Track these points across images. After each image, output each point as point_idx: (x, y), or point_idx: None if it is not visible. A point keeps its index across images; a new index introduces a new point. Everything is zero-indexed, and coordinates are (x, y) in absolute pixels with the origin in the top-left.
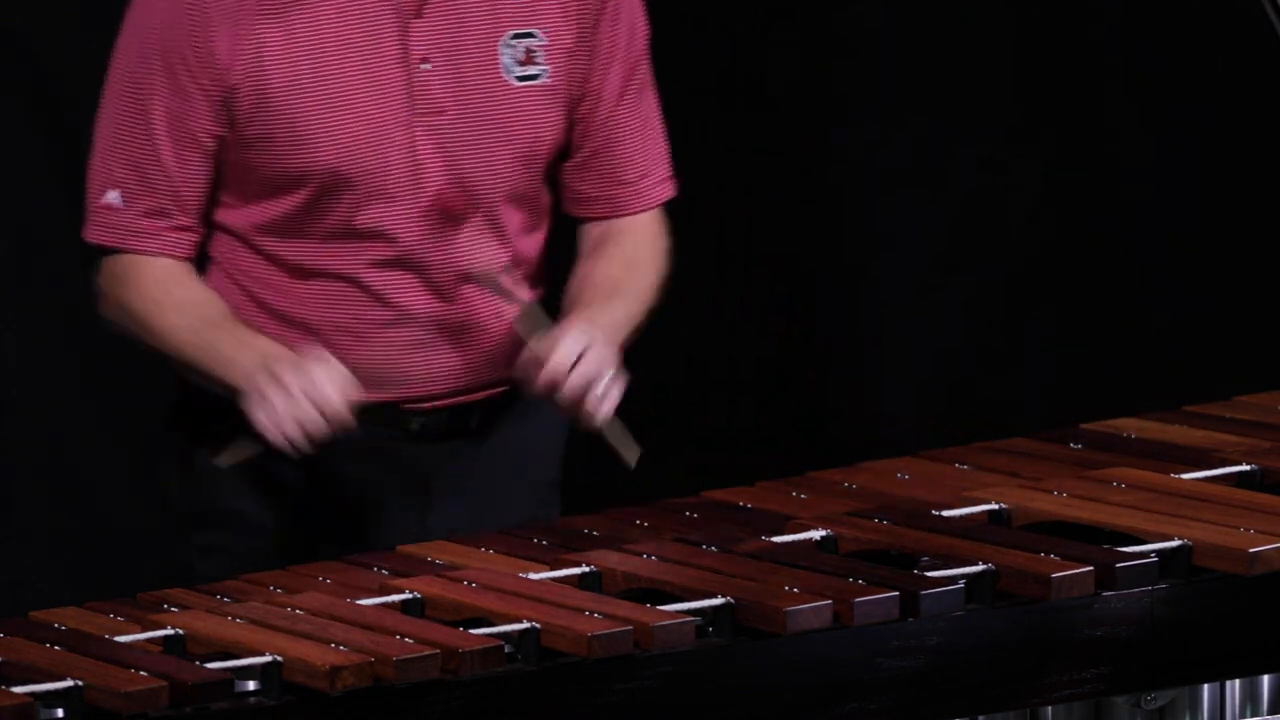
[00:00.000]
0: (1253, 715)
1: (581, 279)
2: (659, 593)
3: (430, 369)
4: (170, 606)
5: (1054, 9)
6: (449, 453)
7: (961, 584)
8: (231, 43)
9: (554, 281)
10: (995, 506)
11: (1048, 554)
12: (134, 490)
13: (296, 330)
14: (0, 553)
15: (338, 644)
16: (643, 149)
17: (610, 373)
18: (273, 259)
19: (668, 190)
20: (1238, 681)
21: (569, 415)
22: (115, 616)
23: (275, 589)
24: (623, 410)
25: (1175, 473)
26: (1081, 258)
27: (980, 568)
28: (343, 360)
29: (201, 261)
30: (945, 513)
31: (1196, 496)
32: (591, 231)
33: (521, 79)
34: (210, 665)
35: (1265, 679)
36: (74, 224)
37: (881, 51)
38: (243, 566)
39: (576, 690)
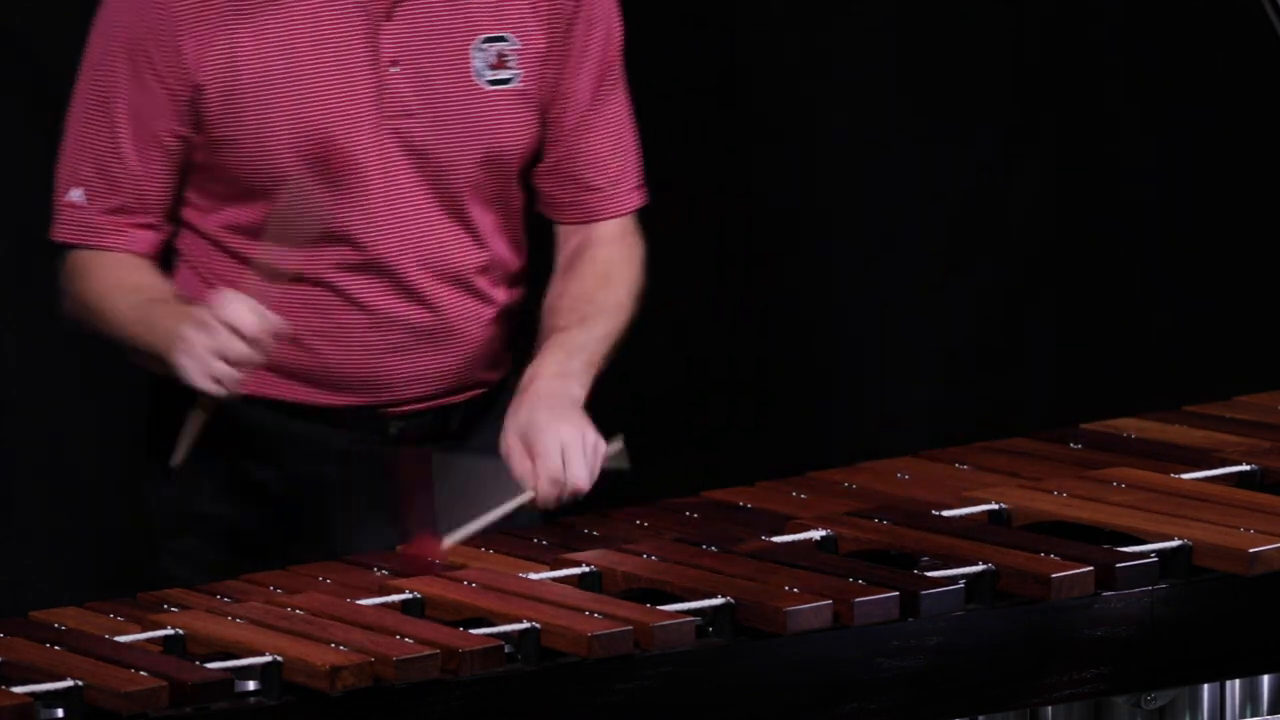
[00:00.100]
0: (1253, 715)
1: (557, 297)
2: (659, 593)
3: (408, 373)
4: (170, 606)
5: (1054, 9)
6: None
7: (961, 584)
8: (199, 43)
9: (535, 283)
10: (995, 506)
11: (1048, 554)
12: (134, 490)
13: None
14: (0, 553)
15: (338, 644)
16: (614, 154)
17: (587, 474)
18: (243, 260)
19: (638, 198)
20: (1238, 681)
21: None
22: (115, 616)
23: (275, 589)
24: (624, 411)
25: (1175, 473)
26: (1082, 258)
27: (980, 568)
28: (320, 364)
29: (168, 258)
30: (945, 513)
31: (1196, 496)
32: (567, 240)
33: (493, 83)
34: (210, 665)
35: (1265, 679)
36: None
37: (881, 51)
38: (219, 572)
39: (576, 690)
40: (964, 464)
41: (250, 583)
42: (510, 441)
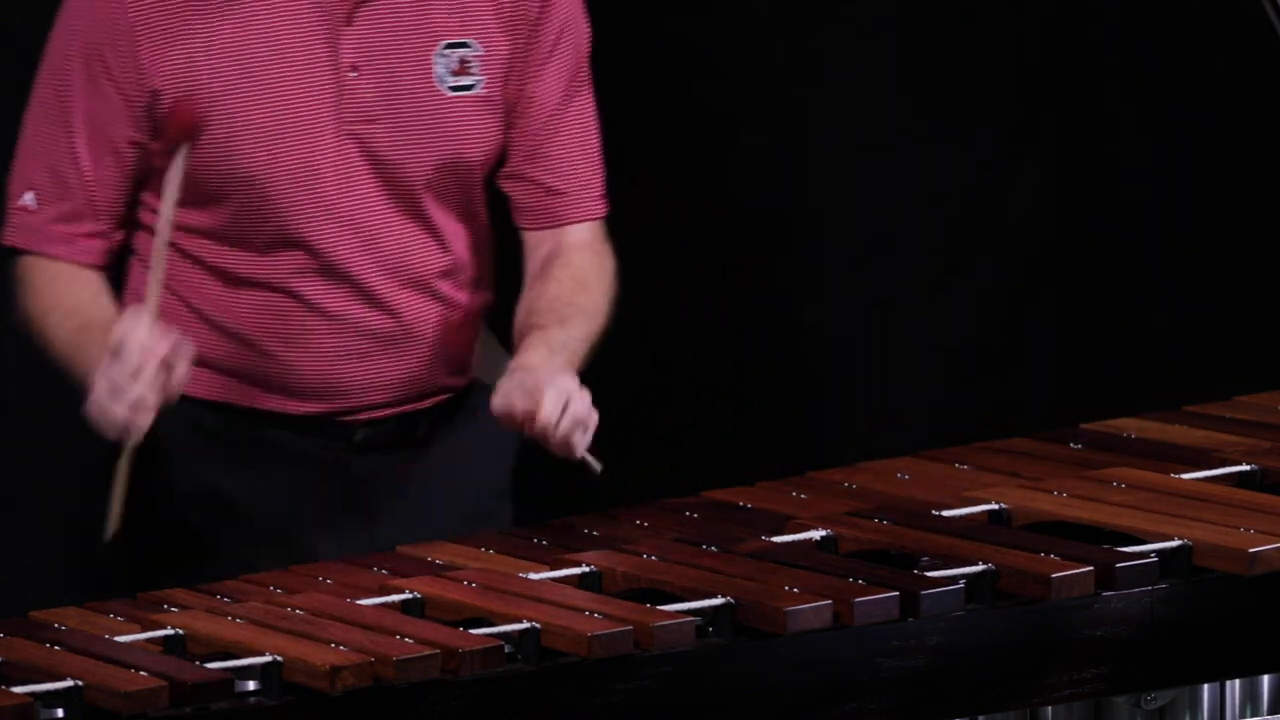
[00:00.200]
0: (1253, 715)
1: (533, 300)
2: (659, 593)
3: (371, 379)
4: (170, 606)
5: (1054, 9)
6: (395, 463)
7: (961, 584)
8: (155, 49)
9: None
10: (995, 506)
11: (1048, 554)
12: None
13: (232, 340)
14: (0, 553)
15: (338, 644)
16: (581, 159)
17: (593, 415)
18: (203, 265)
19: (604, 206)
20: (1238, 681)
21: (557, 452)
22: (115, 616)
23: (275, 589)
24: (623, 411)
25: (1175, 473)
26: (1081, 258)
27: (980, 568)
28: (282, 371)
29: (120, 264)
30: (945, 513)
31: (1196, 496)
32: (537, 246)
33: (454, 89)
34: (210, 665)
35: (1265, 679)
36: None
37: (881, 51)
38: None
39: (576, 690)
40: (964, 464)
41: (250, 583)
42: (511, 400)
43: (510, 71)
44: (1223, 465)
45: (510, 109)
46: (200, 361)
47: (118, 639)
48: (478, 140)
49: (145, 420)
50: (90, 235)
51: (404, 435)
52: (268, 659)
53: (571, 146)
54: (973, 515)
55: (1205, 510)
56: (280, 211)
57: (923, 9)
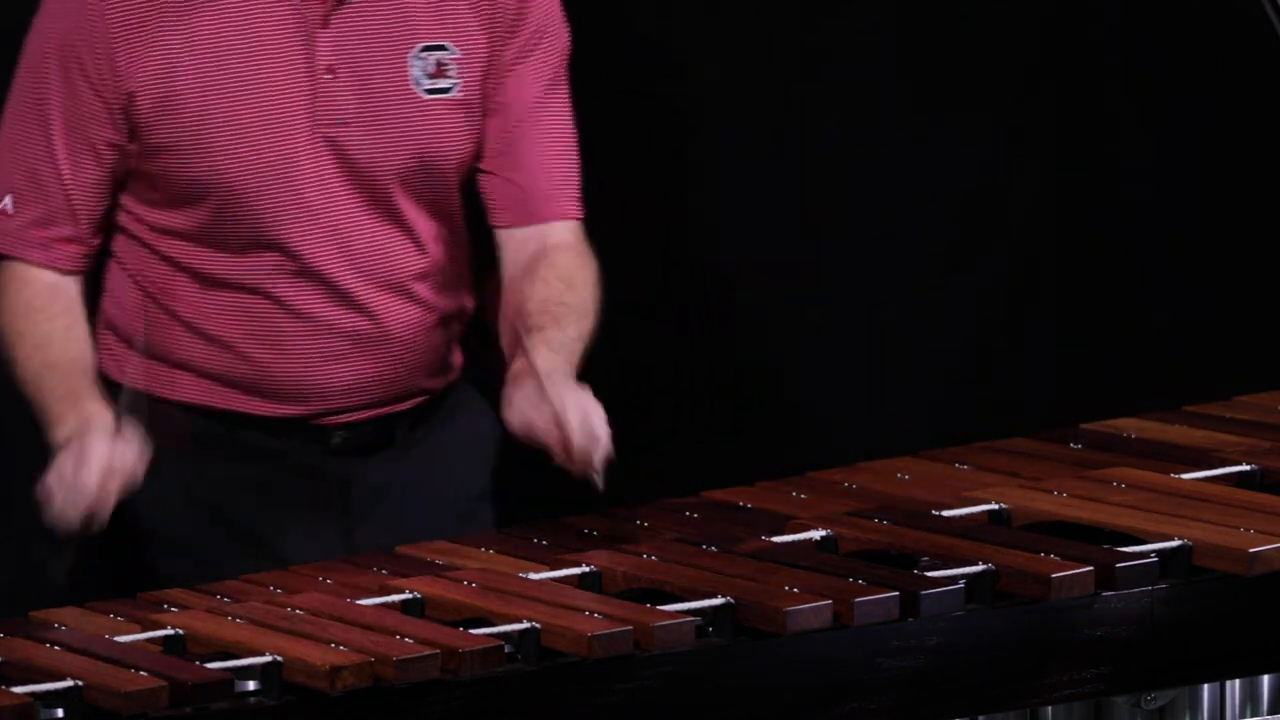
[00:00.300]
0: (1253, 715)
1: (522, 302)
2: (659, 593)
3: (348, 381)
4: (170, 606)
5: (1054, 9)
6: (373, 465)
7: (961, 584)
8: (131, 50)
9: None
10: (995, 506)
11: (1048, 554)
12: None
13: (208, 343)
14: (0, 553)
15: (338, 644)
16: (555, 157)
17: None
18: (179, 267)
19: (579, 207)
20: (1238, 681)
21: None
22: (115, 616)
23: (275, 589)
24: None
25: (1175, 473)
26: (1081, 258)
27: (980, 568)
28: (259, 373)
29: (101, 260)
30: (945, 513)
31: (1196, 496)
32: (514, 248)
33: (431, 92)
34: (210, 665)
35: (1265, 679)
36: None
37: (881, 51)
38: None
39: (576, 690)
40: (964, 464)
41: (250, 583)
42: (529, 418)
43: (488, 74)
44: (1223, 465)
45: (487, 109)
46: (176, 364)
47: (118, 639)
48: (454, 143)
49: (98, 526)
50: (68, 240)
51: (382, 437)
52: (268, 659)
53: (547, 144)
54: (973, 515)
55: (1205, 510)
56: (255, 213)
57: (923, 8)
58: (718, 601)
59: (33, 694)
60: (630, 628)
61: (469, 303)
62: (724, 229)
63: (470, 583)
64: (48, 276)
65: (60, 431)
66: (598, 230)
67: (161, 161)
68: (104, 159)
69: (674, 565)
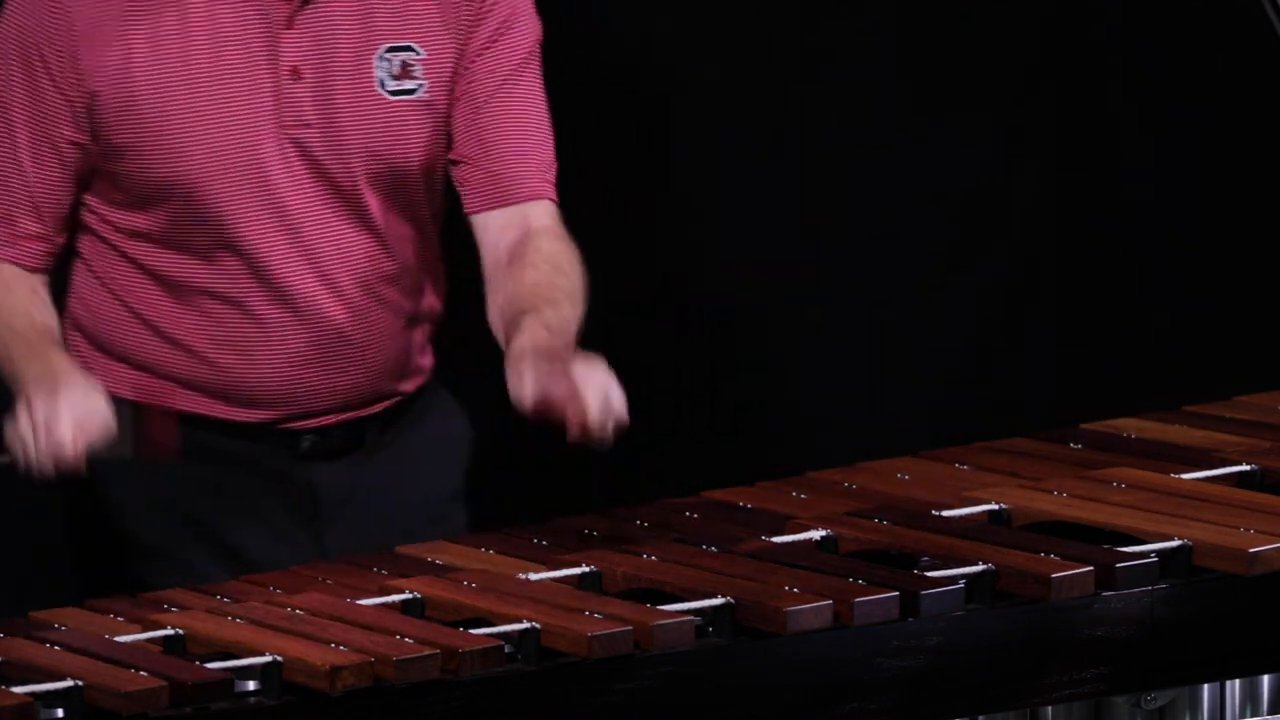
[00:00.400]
0: (1253, 715)
1: (513, 287)
2: (659, 593)
3: (316, 385)
4: (170, 606)
5: (1054, 9)
6: (342, 469)
7: (961, 584)
8: (94, 50)
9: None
10: (995, 506)
11: (1048, 554)
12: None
13: (175, 347)
14: (0, 553)
15: (338, 644)
16: (526, 140)
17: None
18: (145, 271)
19: (552, 189)
20: (1238, 681)
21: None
22: (115, 616)
23: (275, 589)
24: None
25: (1175, 473)
26: (1081, 258)
27: (980, 568)
28: (226, 378)
29: (64, 266)
30: (945, 513)
31: (1196, 496)
32: (494, 234)
33: (395, 93)
34: (210, 665)
35: (1265, 679)
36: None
37: (881, 51)
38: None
39: (576, 690)
40: (964, 464)
41: (250, 583)
42: (546, 390)
43: (455, 72)
44: (1223, 465)
45: (454, 98)
46: (143, 367)
47: (118, 639)
48: (419, 144)
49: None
50: (33, 237)
51: (351, 441)
52: (268, 659)
53: (515, 127)
54: (973, 515)
55: (1205, 510)
56: (220, 216)
57: (923, 8)
58: (718, 601)
59: (33, 694)
60: (630, 628)
61: (438, 304)
62: (724, 229)
63: (470, 583)
64: (11, 270)
65: (22, 379)
66: (598, 230)
67: (124, 162)
68: (67, 157)
69: (674, 565)
